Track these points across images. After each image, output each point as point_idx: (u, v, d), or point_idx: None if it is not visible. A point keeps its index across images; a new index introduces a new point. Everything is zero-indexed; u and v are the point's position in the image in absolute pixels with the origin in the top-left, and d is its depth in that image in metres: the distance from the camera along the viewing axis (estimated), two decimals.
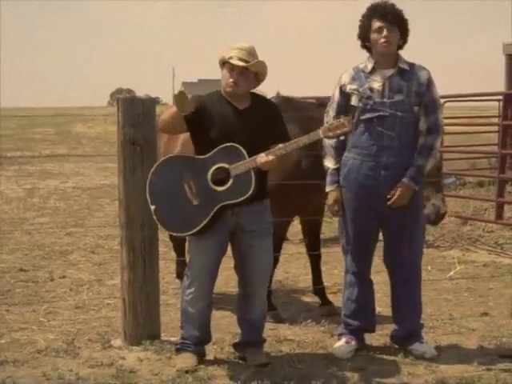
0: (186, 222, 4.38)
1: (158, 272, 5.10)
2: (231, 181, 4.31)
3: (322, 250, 6.07)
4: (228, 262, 4.87)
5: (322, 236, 6.24)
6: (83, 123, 37.85)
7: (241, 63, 4.37)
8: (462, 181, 12.78)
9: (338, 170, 4.77)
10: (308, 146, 5.13)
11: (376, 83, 4.63)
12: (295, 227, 6.86)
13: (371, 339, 5.04)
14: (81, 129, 37.51)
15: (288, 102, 5.83)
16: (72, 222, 10.44)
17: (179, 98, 4.24)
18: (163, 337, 5.05)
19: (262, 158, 4.27)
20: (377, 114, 4.60)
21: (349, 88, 4.69)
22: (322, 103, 5.56)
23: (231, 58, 4.39)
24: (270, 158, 4.27)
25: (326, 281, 6.22)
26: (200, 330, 4.64)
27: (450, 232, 9.00)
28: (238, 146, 4.31)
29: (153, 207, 4.43)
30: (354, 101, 4.66)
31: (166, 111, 4.51)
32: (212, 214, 4.32)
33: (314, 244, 6.00)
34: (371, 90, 4.62)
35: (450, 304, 6.21)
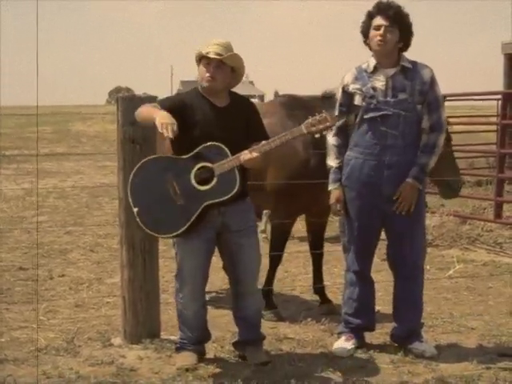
0: (170, 223, 4.34)
1: (158, 270, 5.11)
2: (215, 180, 4.28)
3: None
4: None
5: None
6: (82, 121, 37.85)
7: (217, 56, 4.36)
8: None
9: (340, 168, 4.78)
10: (316, 145, 5.13)
11: (379, 82, 4.64)
12: (294, 226, 6.85)
13: (371, 338, 5.05)
14: (80, 127, 37.52)
15: (295, 99, 5.82)
16: (71, 221, 10.45)
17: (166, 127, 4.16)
18: (163, 335, 5.06)
19: (246, 155, 4.25)
20: (380, 113, 4.61)
21: (352, 88, 4.70)
22: (328, 96, 5.52)
23: (208, 52, 4.38)
24: (254, 154, 4.25)
25: (326, 280, 6.23)
26: (198, 331, 4.64)
27: (449, 231, 8.99)
28: (220, 144, 4.29)
29: (135, 209, 4.38)
30: (357, 100, 4.67)
31: (147, 110, 4.36)
32: (197, 213, 4.29)
33: (317, 242, 6.00)
34: (374, 89, 4.63)
35: (450, 303, 6.22)
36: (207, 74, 4.40)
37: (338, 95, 4.81)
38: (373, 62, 4.70)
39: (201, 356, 4.62)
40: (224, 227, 4.45)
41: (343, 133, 4.78)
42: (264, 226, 9.16)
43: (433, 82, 4.67)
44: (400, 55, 4.69)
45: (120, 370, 4.44)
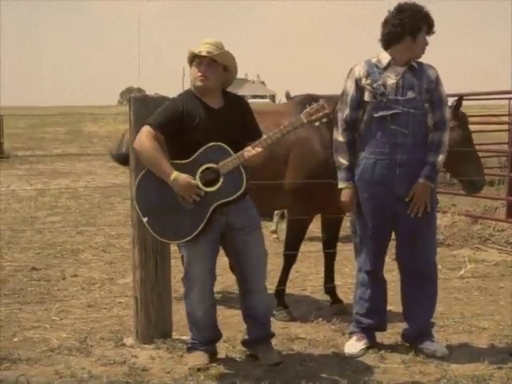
0: (182, 228, 4.35)
1: (170, 271, 5.13)
2: (221, 179, 4.29)
3: None
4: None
5: None
6: (94, 122, 37.97)
7: (208, 54, 4.37)
8: None
9: (350, 166, 4.75)
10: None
11: (390, 79, 4.63)
12: None
13: (382, 337, 5.05)
14: (91, 128, 37.64)
15: (313, 99, 5.77)
16: (83, 221, 10.48)
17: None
18: (175, 335, 5.08)
19: (250, 151, 4.27)
20: (391, 111, 4.60)
21: (363, 82, 4.67)
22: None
23: (200, 51, 4.39)
24: (258, 149, 4.27)
25: (337, 279, 6.23)
26: (209, 331, 4.66)
27: (461, 231, 8.98)
28: (222, 144, 4.31)
29: (145, 219, 4.40)
30: (367, 96, 4.66)
31: (156, 161, 4.31)
32: (208, 215, 4.31)
33: (331, 242, 6.00)
34: (385, 86, 4.62)
35: (461, 303, 6.21)
36: (199, 74, 4.40)
37: (348, 88, 4.75)
38: (386, 57, 4.68)
39: (212, 356, 4.64)
40: (228, 226, 4.46)
41: (351, 129, 4.75)
42: (275, 226, 9.17)
43: (438, 81, 4.70)
44: None
45: (132, 370, 4.47)
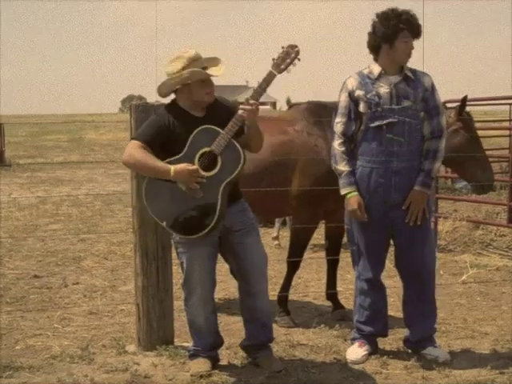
0: (201, 219, 4.33)
1: (172, 278, 5.14)
2: (219, 159, 4.29)
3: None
4: None
5: None
6: (95, 130, 38.03)
7: (219, 73, 4.41)
8: None
9: (352, 172, 4.72)
10: None
11: (383, 89, 4.64)
12: None
13: (384, 344, 5.05)
14: (93, 135, 37.69)
15: (323, 107, 5.76)
16: (85, 229, 10.49)
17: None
18: (177, 342, 5.08)
19: (244, 111, 4.28)
20: (386, 120, 4.61)
21: (357, 94, 4.68)
22: None
23: (205, 68, 4.40)
24: (251, 102, 4.28)
25: (339, 286, 6.23)
26: (210, 337, 4.66)
27: (462, 236, 8.98)
28: (207, 126, 4.32)
29: (164, 223, 4.41)
30: (362, 107, 4.66)
31: (146, 163, 4.33)
32: (220, 195, 4.29)
33: (335, 248, 5.99)
34: (379, 96, 4.63)
35: (463, 308, 6.20)
36: (208, 91, 4.41)
37: (342, 101, 4.75)
38: (377, 68, 4.69)
39: (214, 362, 4.64)
40: (225, 229, 4.46)
41: (350, 141, 4.74)
42: (276, 233, 9.17)
43: (433, 89, 4.71)
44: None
45: (134, 377, 4.47)
